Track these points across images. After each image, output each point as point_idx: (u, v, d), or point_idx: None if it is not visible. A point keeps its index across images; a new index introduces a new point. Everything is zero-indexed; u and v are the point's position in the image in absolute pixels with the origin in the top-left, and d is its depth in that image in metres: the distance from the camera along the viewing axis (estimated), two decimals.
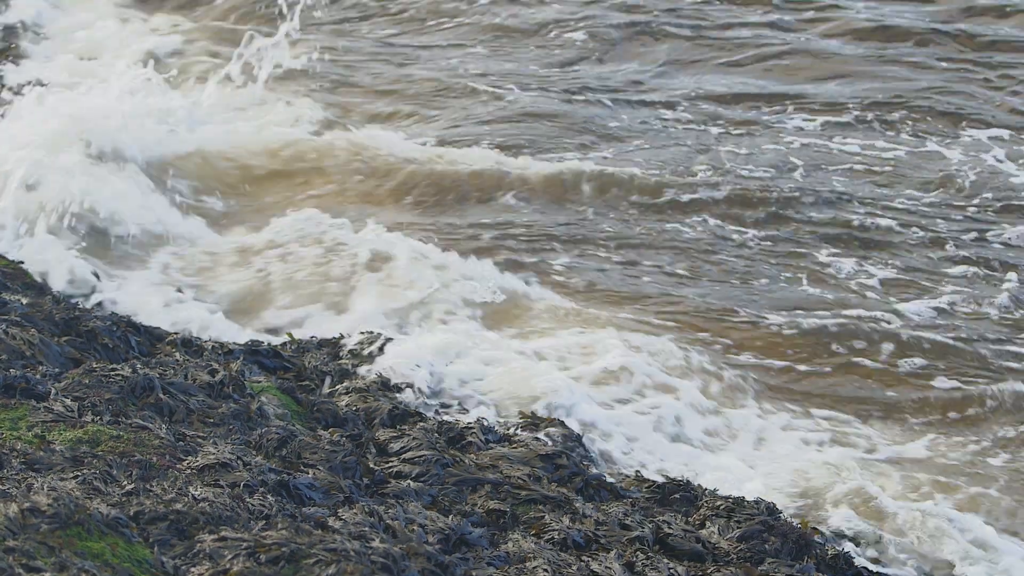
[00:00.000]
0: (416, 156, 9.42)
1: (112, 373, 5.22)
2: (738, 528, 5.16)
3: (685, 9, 12.72)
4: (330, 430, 5.47)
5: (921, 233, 8.61)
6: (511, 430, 5.84)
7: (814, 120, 10.51)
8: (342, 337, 6.66)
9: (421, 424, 5.63)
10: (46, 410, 4.79)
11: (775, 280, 7.99)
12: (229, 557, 3.97)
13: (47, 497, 3.97)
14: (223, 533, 4.08)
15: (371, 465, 5.18)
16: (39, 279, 7.05)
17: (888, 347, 7.23)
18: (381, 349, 6.51)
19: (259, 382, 5.79)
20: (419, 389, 6.20)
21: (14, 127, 8.44)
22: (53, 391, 4.99)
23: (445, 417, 5.97)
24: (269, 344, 6.46)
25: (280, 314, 7.26)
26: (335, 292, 7.42)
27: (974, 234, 8.62)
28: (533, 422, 5.93)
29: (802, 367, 7.08)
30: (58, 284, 7.07)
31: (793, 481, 5.87)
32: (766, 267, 8.16)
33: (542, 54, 11.93)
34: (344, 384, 6.11)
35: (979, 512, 5.79)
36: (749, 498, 5.41)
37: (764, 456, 6.20)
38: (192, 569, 3.93)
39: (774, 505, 5.38)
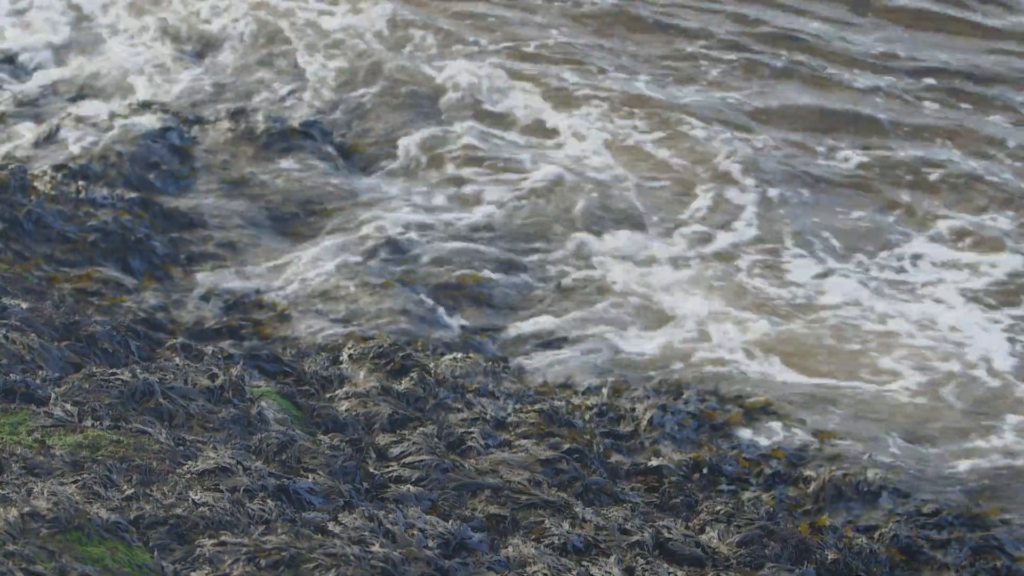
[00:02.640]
0: None
1: (112, 378, 5.21)
2: (738, 533, 5.16)
3: None
4: (330, 434, 5.47)
5: None
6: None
7: None
8: None
9: (421, 429, 5.63)
10: (46, 415, 4.78)
11: None
12: (229, 562, 3.97)
13: (47, 501, 3.97)
14: (223, 538, 4.08)
15: (371, 469, 5.17)
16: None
17: None
18: None
19: (259, 386, 5.79)
20: None
21: None
22: (53, 396, 4.99)
23: None
24: (269, 349, 6.47)
25: None
26: None
27: None
28: None
29: None
30: None
31: None
32: None
33: None
34: (344, 389, 6.11)
35: None
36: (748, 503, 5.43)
37: None
38: (192, 574, 3.93)
39: (773, 510, 5.38)
